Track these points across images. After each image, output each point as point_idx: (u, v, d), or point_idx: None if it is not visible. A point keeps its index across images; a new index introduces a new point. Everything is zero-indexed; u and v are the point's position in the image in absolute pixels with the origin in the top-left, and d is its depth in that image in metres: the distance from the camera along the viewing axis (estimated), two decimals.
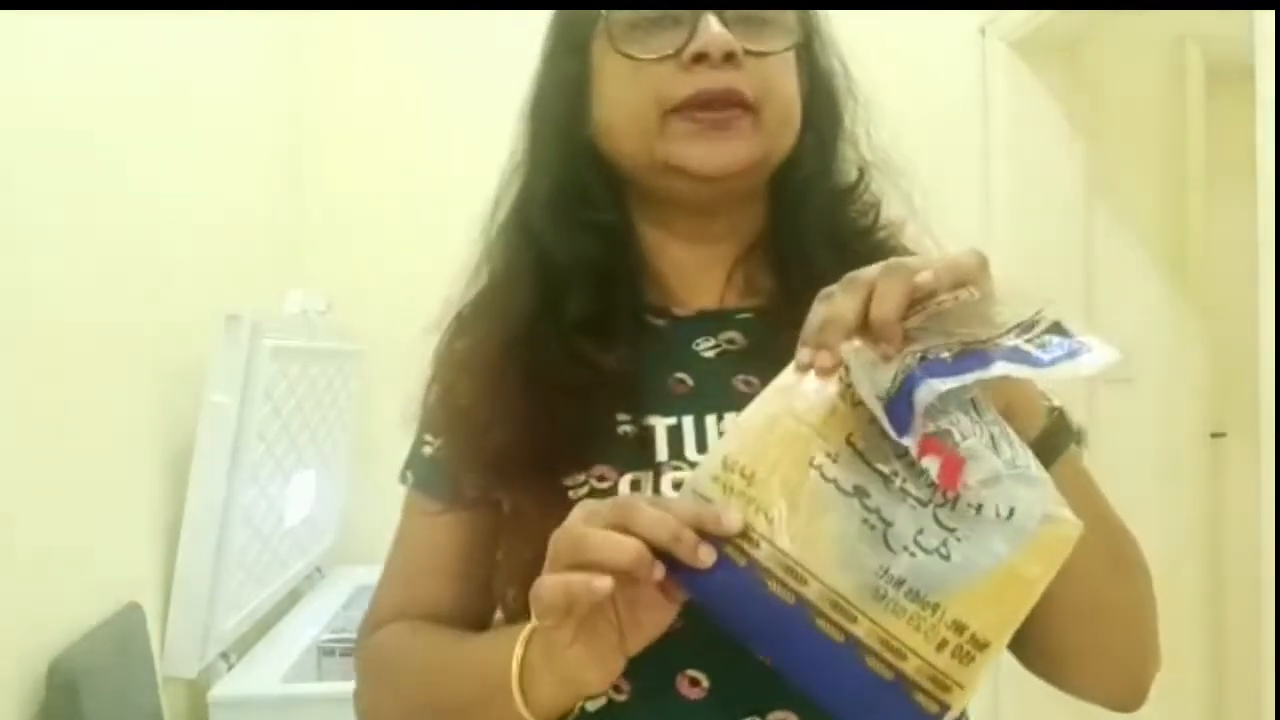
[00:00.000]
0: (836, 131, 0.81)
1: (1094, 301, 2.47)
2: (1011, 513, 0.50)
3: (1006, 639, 0.50)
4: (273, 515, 1.66)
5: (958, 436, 0.50)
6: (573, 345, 0.67)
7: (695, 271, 0.73)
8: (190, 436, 1.40)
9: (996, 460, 0.50)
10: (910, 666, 0.48)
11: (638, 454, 0.63)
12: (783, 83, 0.70)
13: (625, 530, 0.49)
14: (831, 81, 0.85)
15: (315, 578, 2.08)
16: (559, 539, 0.52)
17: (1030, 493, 0.50)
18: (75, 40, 1.25)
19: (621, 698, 0.62)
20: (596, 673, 0.54)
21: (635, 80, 0.66)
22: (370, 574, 2.29)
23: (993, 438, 0.52)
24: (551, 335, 0.68)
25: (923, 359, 0.50)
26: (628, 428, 0.65)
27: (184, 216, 1.59)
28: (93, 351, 1.27)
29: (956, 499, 0.50)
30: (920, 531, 0.49)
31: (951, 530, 0.49)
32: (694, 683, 0.61)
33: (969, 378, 0.49)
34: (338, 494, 2.11)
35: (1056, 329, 0.55)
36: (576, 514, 0.53)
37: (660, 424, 0.66)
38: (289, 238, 2.24)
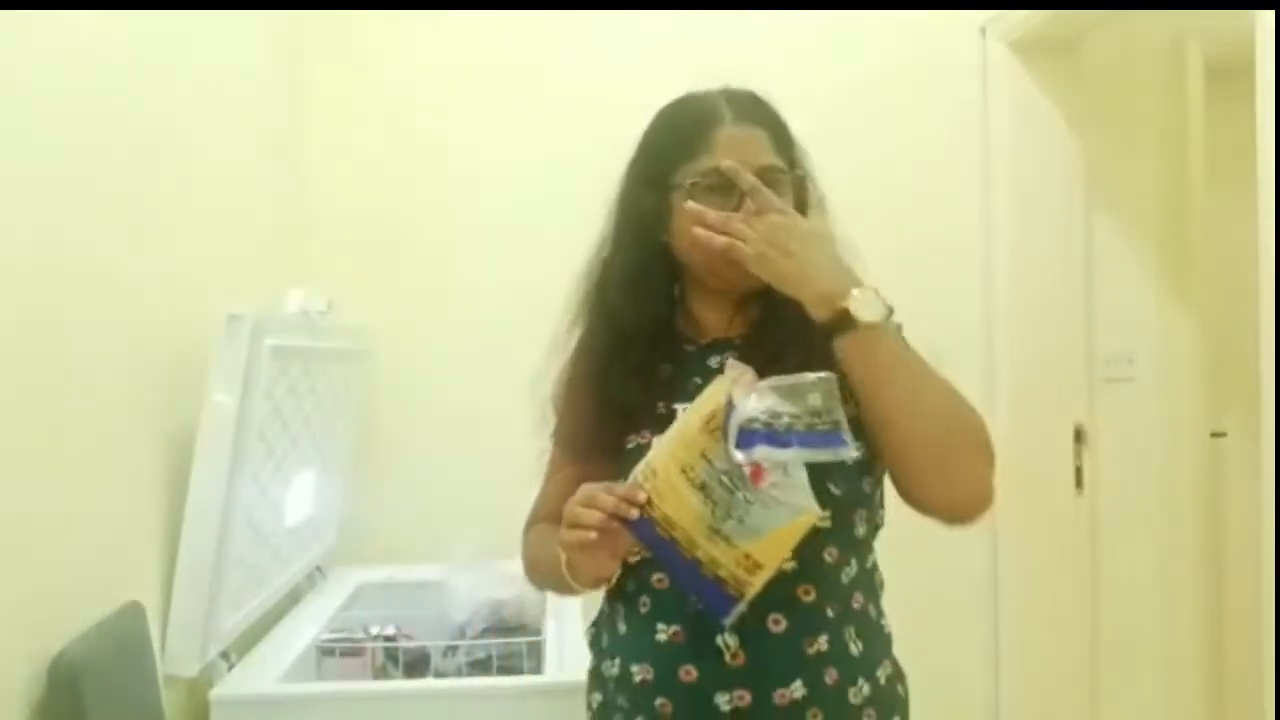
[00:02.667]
0: None
1: (1094, 301, 2.47)
2: (784, 504, 0.92)
3: (775, 566, 0.93)
4: (273, 515, 1.66)
5: (764, 461, 0.92)
6: (634, 364, 1.11)
7: (713, 315, 1.15)
8: (191, 435, 1.41)
9: (784, 476, 0.92)
10: (724, 573, 0.93)
11: (667, 425, 1.00)
12: None
13: (594, 506, 0.93)
14: (807, 207, 1.23)
15: (315, 577, 2.09)
16: (566, 511, 0.96)
17: (796, 495, 0.93)
18: (76, 40, 1.25)
19: (663, 586, 1.05)
20: (600, 572, 1.00)
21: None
22: (370, 574, 2.31)
23: (786, 465, 0.92)
24: (618, 365, 1.12)
25: (767, 425, 0.92)
26: (663, 410, 1.08)
27: (184, 216, 1.59)
28: (94, 350, 1.27)
29: (759, 493, 0.92)
30: (736, 508, 0.92)
31: (752, 506, 0.92)
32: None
33: (784, 455, 0.92)
34: (338, 494, 2.11)
35: (837, 425, 0.94)
36: (573, 499, 0.96)
37: (681, 408, 1.04)
38: (290, 237, 2.24)
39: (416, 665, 1.74)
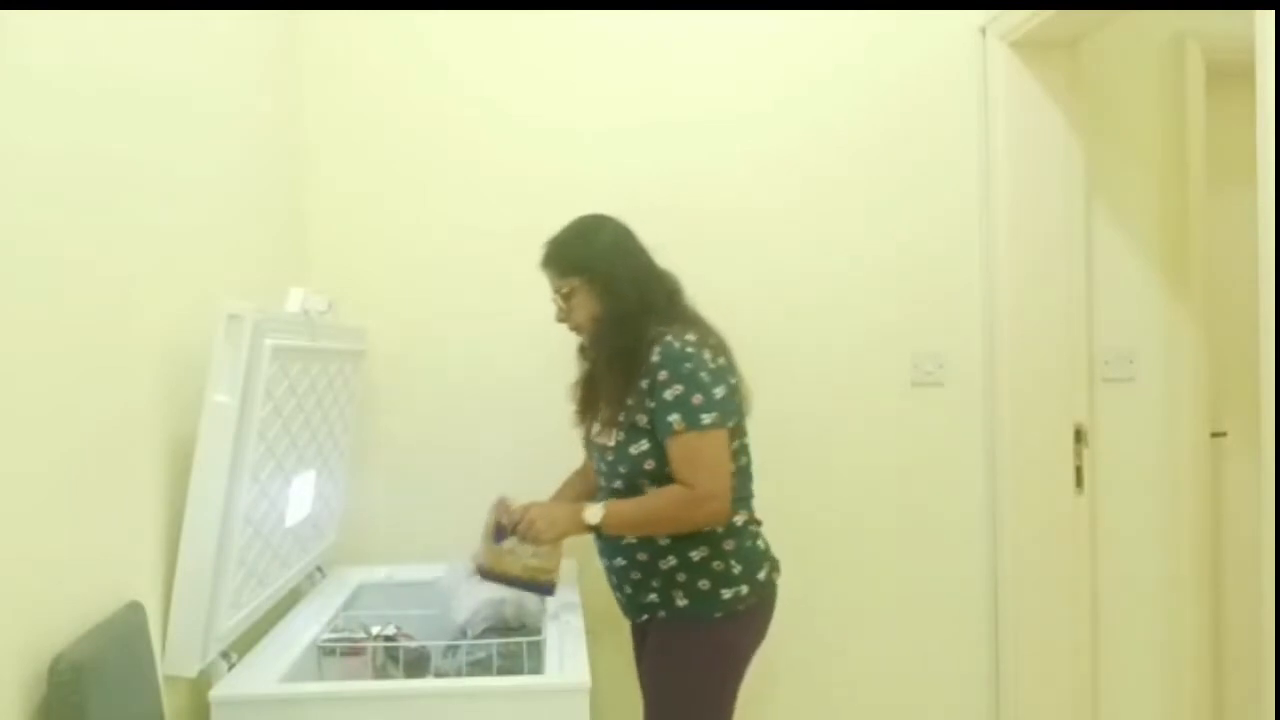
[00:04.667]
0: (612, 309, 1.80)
1: (1094, 301, 2.47)
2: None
3: (556, 570, 1.80)
4: (273, 515, 1.66)
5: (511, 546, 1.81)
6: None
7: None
8: (192, 435, 1.41)
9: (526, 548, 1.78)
10: (541, 577, 1.80)
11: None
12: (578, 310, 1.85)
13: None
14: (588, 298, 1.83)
15: (316, 577, 2.09)
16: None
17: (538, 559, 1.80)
18: (76, 40, 1.25)
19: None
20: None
21: None
22: (370, 574, 2.31)
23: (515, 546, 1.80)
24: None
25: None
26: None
27: (185, 216, 1.59)
28: (94, 351, 1.27)
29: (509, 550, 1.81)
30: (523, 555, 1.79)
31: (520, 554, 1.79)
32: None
33: (501, 591, 1.83)
34: (338, 494, 2.11)
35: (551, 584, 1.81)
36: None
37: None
38: (290, 237, 2.24)
39: (416, 665, 1.74)
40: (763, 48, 2.43)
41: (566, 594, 1.91)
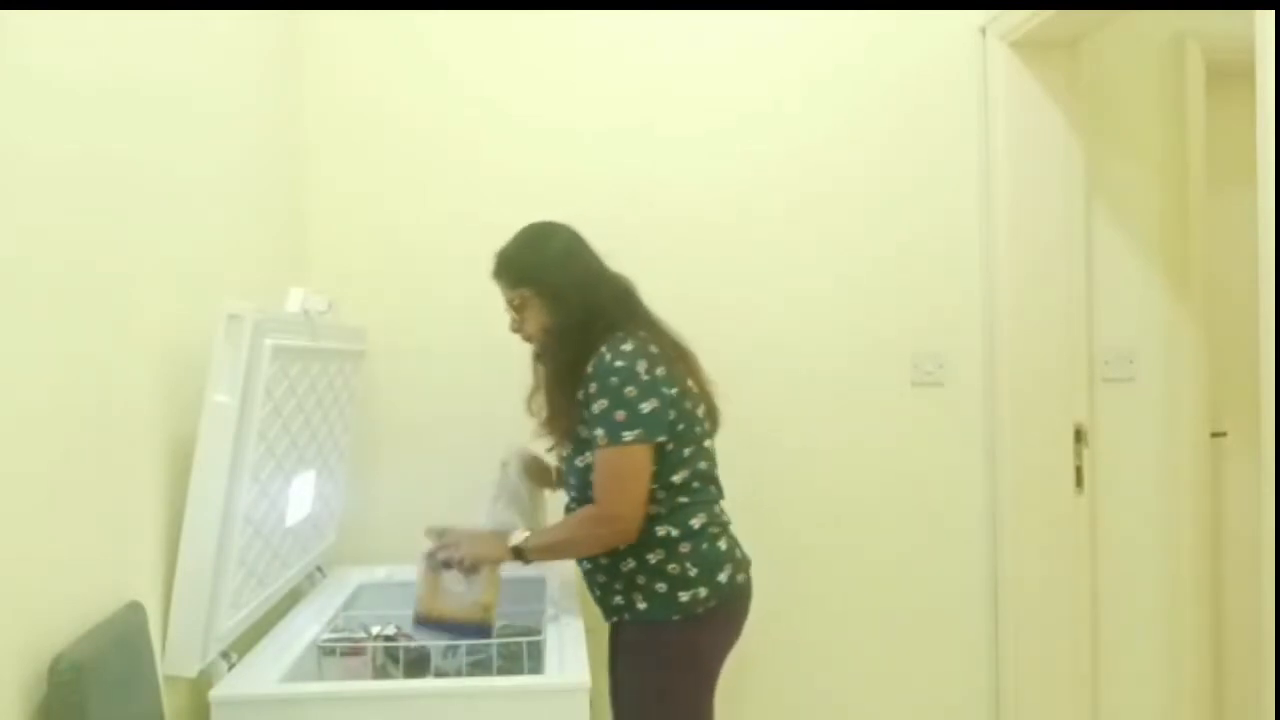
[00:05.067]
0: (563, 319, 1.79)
1: (1094, 301, 2.47)
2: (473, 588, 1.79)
3: (496, 600, 1.77)
4: (274, 515, 1.66)
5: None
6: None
7: None
8: (191, 435, 1.41)
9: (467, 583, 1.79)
10: (475, 616, 1.77)
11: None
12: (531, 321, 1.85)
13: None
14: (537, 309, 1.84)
15: (316, 577, 2.09)
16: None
17: (475, 587, 1.77)
18: (76, 40, 1.25)
19: None
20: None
21: None
22: (370, 574, 2.32)
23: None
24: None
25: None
26: None
27: (185, 216, 1.59)
28: (94, 351, 1.27)
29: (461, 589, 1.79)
30: (458, 598, 1.77)
31: (465, 595, 1.78)
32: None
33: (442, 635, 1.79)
34: (338, 494, 2.11)
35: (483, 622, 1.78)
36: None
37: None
38: (290, 237, 2.24)
39: (416, 665, 1.74)
40: (763, 48, 2.43)
41: (566, 594, 1.92)
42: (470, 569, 1.75)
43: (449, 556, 1.75)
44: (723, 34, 2.42)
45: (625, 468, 1.66)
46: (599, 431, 1.67)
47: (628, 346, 1.69)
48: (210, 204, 1.72)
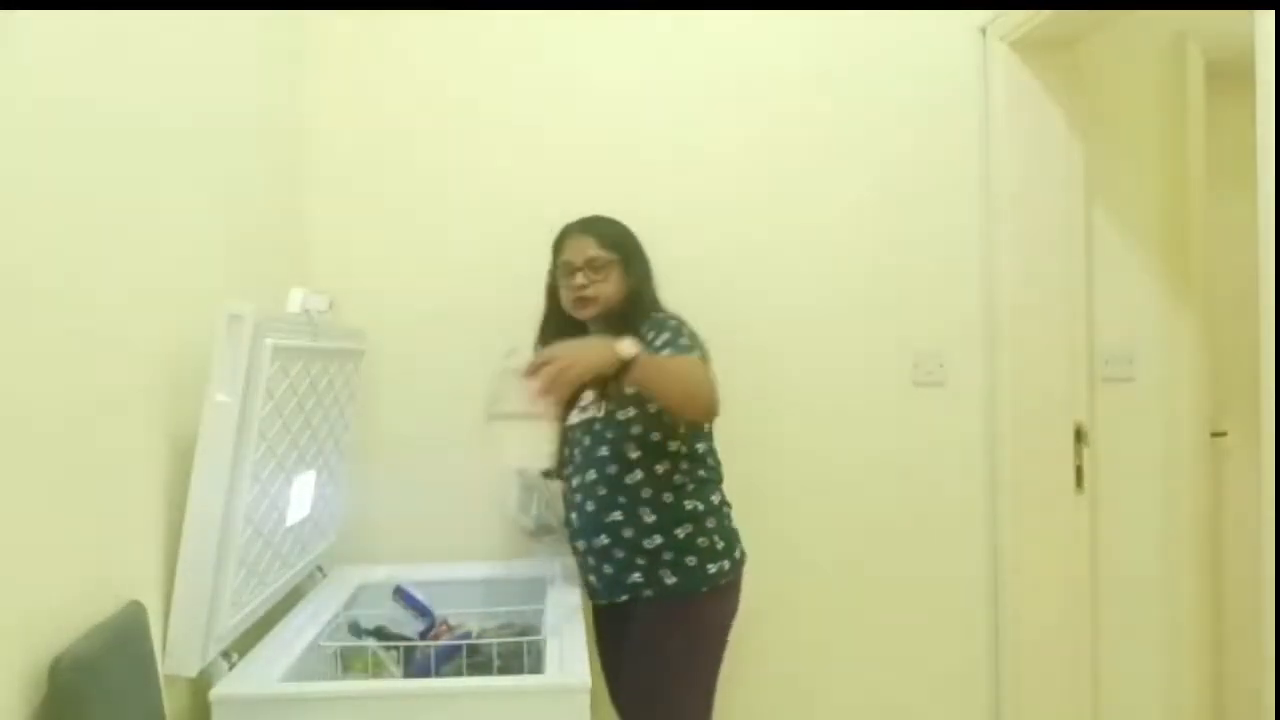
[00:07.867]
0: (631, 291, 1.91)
1: (1094, 301, 2.47)
2: None
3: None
4: (274, 514, 1.66)
5: None
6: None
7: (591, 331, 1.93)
8: (192, 435, 1.41)
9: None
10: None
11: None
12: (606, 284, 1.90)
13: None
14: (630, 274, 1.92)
15: (317, 577, 2.09)
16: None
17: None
18: (76, 39, 1.25)
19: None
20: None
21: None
22: (370, 574, 2.31)
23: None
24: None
25: None
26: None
27: (185, 215, 1.59)
28: (94, 349, 1.27)
29: None
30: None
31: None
32: None
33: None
34: (339, 493, 2.11)
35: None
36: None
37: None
38: (291, 237, 2.24)
39: (416, 665, 1.74)
40: (763, 48, 2.43)
41: (566, 594, 1.92)
42: (570, 375, 1.53)
43: (550, 356, 1.53)
44: (722, 34, 2.42)
45: (706, 368, 1.75)
46: (675, 346, 1.76)
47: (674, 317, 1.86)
48: (211, 204, 1.72)
